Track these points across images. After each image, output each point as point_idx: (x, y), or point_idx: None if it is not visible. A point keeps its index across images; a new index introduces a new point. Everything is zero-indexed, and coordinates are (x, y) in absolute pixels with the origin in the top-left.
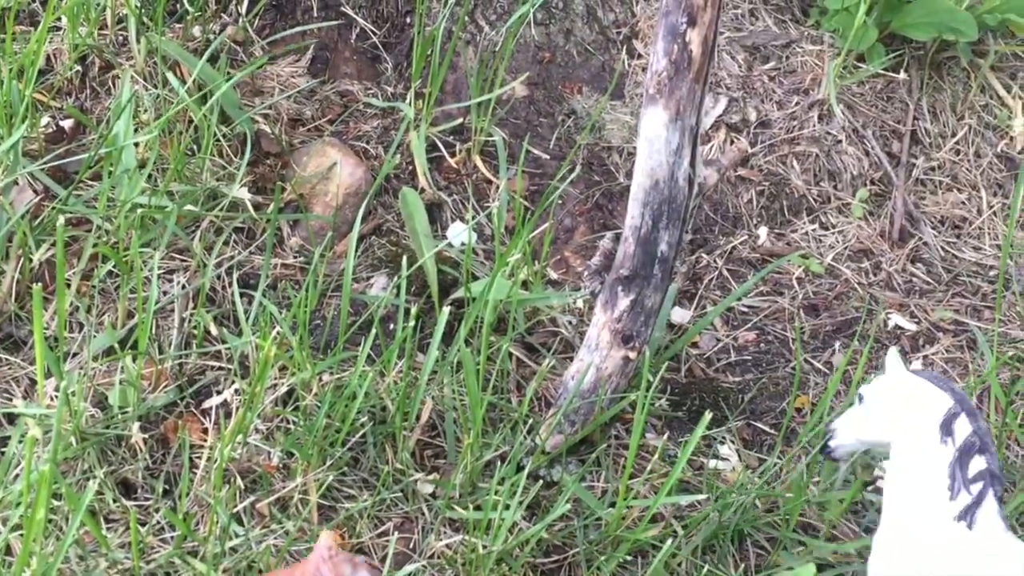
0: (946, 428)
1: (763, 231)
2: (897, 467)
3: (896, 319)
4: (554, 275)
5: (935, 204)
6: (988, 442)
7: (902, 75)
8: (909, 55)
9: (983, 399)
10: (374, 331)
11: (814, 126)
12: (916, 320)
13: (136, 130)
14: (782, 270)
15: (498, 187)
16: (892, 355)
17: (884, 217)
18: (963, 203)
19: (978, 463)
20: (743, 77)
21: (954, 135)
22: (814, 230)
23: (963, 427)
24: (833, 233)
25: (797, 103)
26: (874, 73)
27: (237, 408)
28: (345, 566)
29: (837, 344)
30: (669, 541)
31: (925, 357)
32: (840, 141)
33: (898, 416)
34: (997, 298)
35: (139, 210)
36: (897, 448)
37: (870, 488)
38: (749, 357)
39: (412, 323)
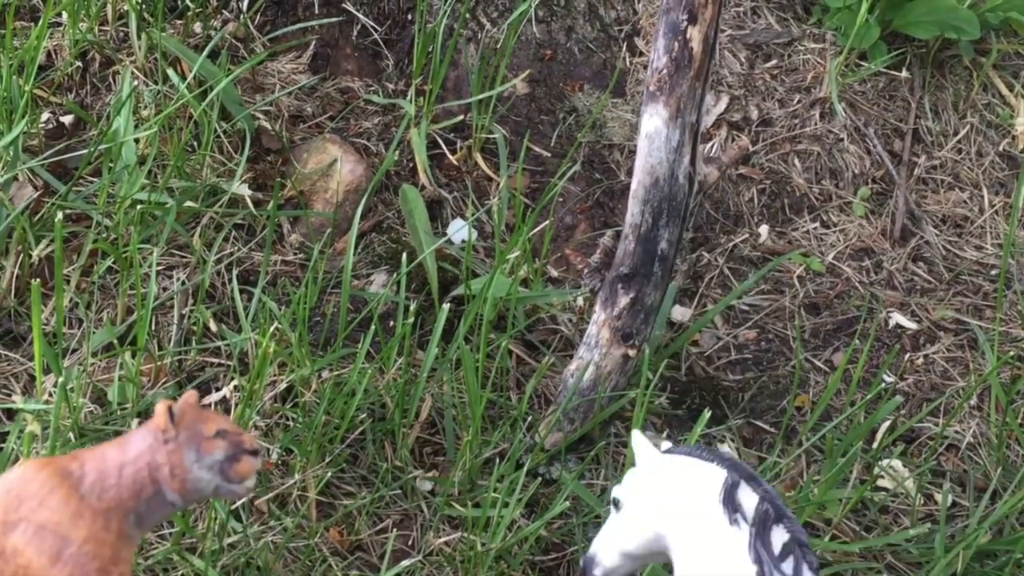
0: (730, 503)
1: (764, 229)
2: (684, 569)
3: (897, 318)
4: (554, 273)
5: (937, 203)
6: (781, 505)
7: (904, 73)
8: (911, 53)
9: (984, 399)
10: (373, 328)
11: (816, 124)
12: (917, 319)
13: (136, 126)
14: (783, 268)
15: (498, 184)
16: (637, 438)
17: (886, 215)
18: (965, 202)
19: (780, 535)
20: (744, 75)
21: (956, 134)
22: (815, 228)
23: (748, 497)
24: (834, 231)
25: (799, 101)
26: (876, 71)
27: (236, 404)
28: (188, 452)
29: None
30: None
31: (926, 356)
32: (842, 139)
33: (668, 508)
34: (998, 297)
35: (139, 206)
36: (677, 546)
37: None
38: (749, 355)
39: (412, 320)
